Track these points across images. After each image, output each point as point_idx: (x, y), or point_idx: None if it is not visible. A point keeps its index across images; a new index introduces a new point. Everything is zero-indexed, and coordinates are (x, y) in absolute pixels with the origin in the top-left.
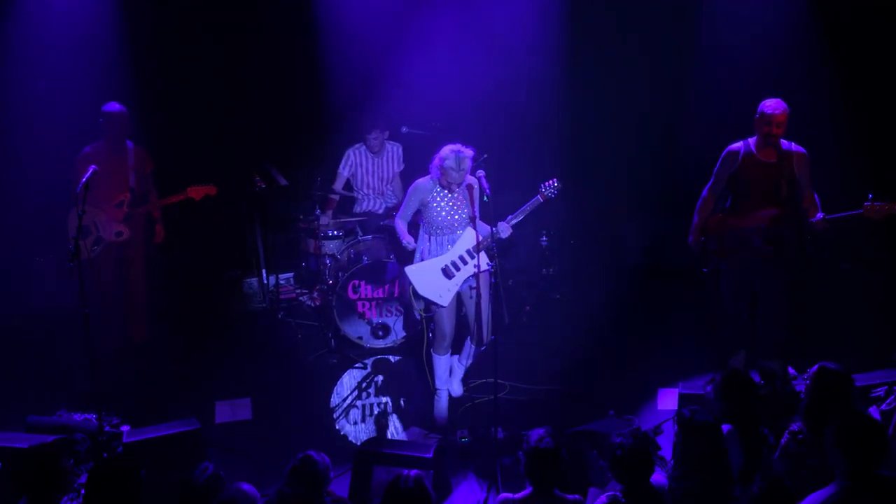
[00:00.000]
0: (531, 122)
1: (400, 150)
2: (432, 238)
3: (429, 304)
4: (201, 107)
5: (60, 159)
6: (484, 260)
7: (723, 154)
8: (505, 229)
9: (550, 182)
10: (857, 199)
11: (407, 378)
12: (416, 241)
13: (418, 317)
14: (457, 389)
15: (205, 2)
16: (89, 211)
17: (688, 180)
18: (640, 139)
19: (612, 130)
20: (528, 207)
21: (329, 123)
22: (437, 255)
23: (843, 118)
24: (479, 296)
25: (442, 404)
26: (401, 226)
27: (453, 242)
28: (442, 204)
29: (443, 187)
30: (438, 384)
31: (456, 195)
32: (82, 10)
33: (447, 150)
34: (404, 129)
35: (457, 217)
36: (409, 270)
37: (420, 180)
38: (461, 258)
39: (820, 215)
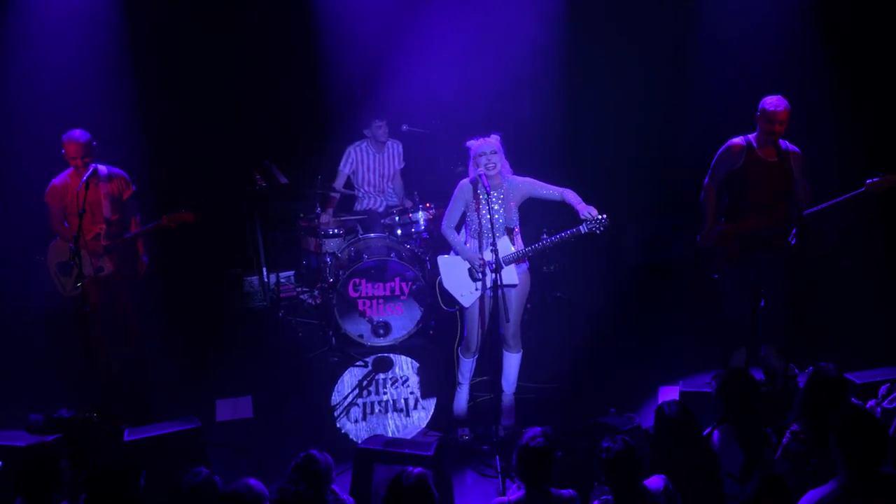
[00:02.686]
0: (531, 122)
1: (400, 147)
2: (472, 240)
3: (451, 301)
4: (202, 105)
5: (61, 159)
6: (513, 274)
7: (722, 148)
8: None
9: (602, 216)
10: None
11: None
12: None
13: (447, 309)
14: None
15: (207, 1)
16: (66, 248)
17: (688, 179)
18: (640, 138)
19: (613, 130)
20: (567, 235)
21: (329, 122)
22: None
23: (843, 116)
24: (510, 302)
25: (462, 398)
26: (453, 236)
27: (486, 248)
28: (480, 208)
29: (484, 186)
30: (461, 379)
31: (494, 202)
32: (83, 10)
33: (469, 143)
34: (405, 128)
35: (496, 223)
36: (441, 259)
37: (463, 181)
38: (489, 264)
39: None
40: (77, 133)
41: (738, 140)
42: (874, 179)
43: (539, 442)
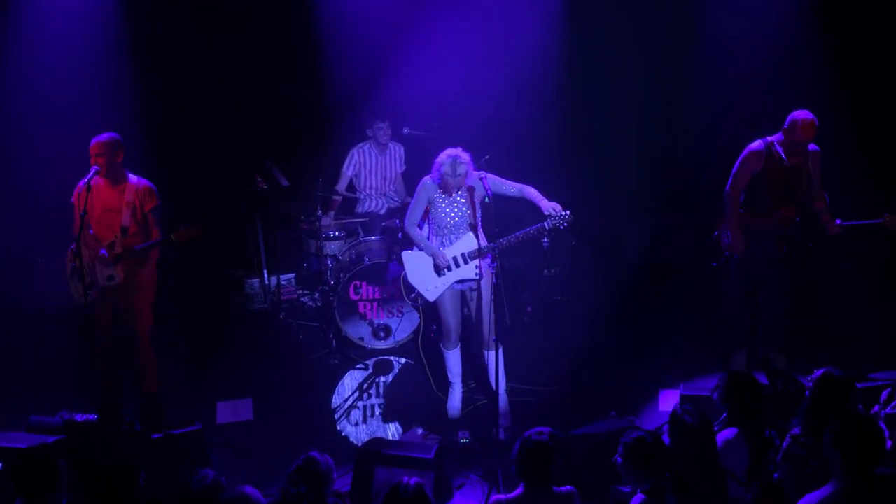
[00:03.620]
0: (532, 123)
1: (402, 150)
2: (434, 237)
3: (417, 295)
4: (203, 106)
5: (62, 159)
6: (480, 266)
7: (744, 154)
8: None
9: (565, 212)
10: (861, 198)
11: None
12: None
13: (409, 303)
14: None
15: (207, 1)
16: (86, 253)
17: (688, 179)
18: (640, 138)
19: (613, 130)
20: (531, 231)
21: (330, 123)
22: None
23: (843, 116)
24: (479, 299)
25: (455, 398)
26: (416, 234)
27: (451, 243)
28: (443, 205)
29: (442, 190)
30: (451, 377)
31: (458, 198)
32: (85, 10)
33: (444, 155)
34: (406, 131)
35: (457, 220)
36: (405, 255)
37: (426, 178)
38: (454, 259)
39: (837, 221)
40: (103, 134)
41: (756, 145)
42: (893, 215)
43: (539, 439)
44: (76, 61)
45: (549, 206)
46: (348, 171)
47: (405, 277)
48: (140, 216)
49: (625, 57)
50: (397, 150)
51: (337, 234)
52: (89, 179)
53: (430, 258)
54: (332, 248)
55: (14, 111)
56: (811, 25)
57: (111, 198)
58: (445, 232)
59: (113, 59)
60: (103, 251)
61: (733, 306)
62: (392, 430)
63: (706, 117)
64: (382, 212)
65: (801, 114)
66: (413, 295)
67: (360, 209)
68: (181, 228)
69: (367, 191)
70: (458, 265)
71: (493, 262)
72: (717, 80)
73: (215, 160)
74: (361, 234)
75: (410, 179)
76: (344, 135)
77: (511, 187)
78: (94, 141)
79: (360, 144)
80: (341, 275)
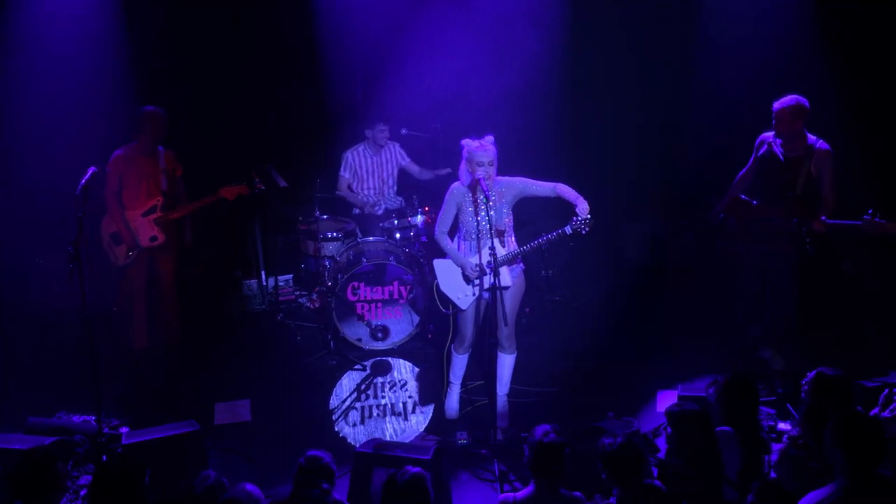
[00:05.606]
0: (531, 126)
1: (398, 147)
2: (464, 242)
3: (448, 303)
4: (202, 108)
5: (63, 161)
6: (506, 276)
7: (758, 140)
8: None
9: (586, 217)
10: (861, 201)
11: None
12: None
13: (445, 311)
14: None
15: (207, 3)
16: (127, 216)
17: (688, 182)
18: (640, 141)
19: (612, 132)
20: (553, 237)
21: (330, 126)
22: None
23: (846, 117)
24: (498, 303)
25: (453, 398)
26: (446, 243)
27: (479, 249)
28: (471, 210)
29: (471, 189)
30: (452, 378)
31: (489, 203)
32: (85, 11)
33: (464, 141)
34: (404, 132)
35: (485, 225)
36: (437, 263)
37: (455, 184)
38: (480, 267)
39: (822, 219)
40: (151, 106)
41: (763, 134)
42: (874, 219)
43: (552, 437)
44: (76, 61)
45: (583, 207)
46: (345, 173)
47: (437, 286)
48: (173, 181)
49: (625, 58)
50: (394, 149)
51: (335, 234)
52: (87, 181)
53: (460, 267)
54: (329, 248)
55: (14, 111)
56: (811, 26)
57: (146, 165)
58: (473, 237)
59: (113, 59)
60: (142, 212)
61: (739, 302)
62: (390, 431)
63: (706, 117)
64: (380, 212)
65: (780, 100)
66: (412, 292)
67: (356, 210)
68: (229, 186)
69: (365, 192)
70: (485, 273)
71: (490, 265)
72: (717, 80)
73: (214, 161)
74: (359, 235)
75: (409, 180)
76: (343, 136)
77: (544, 187)
78: (159, 111)
79: (354, 147)
80: (339, 276)
